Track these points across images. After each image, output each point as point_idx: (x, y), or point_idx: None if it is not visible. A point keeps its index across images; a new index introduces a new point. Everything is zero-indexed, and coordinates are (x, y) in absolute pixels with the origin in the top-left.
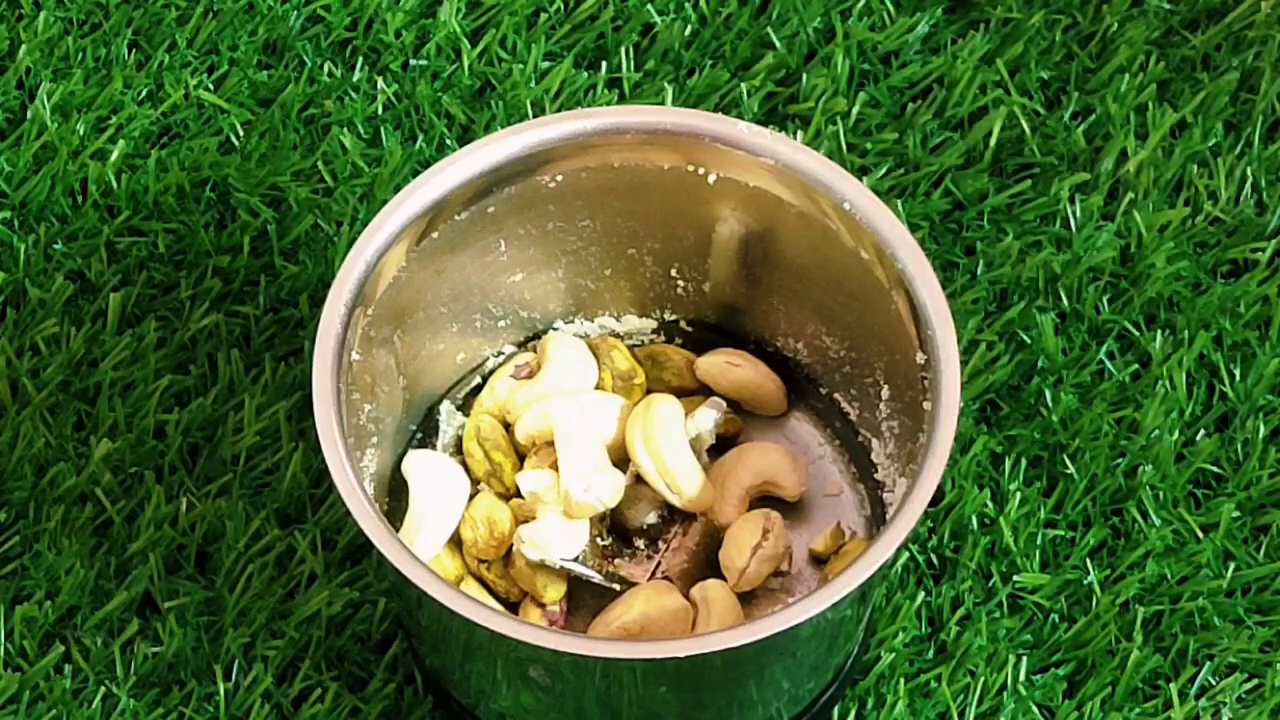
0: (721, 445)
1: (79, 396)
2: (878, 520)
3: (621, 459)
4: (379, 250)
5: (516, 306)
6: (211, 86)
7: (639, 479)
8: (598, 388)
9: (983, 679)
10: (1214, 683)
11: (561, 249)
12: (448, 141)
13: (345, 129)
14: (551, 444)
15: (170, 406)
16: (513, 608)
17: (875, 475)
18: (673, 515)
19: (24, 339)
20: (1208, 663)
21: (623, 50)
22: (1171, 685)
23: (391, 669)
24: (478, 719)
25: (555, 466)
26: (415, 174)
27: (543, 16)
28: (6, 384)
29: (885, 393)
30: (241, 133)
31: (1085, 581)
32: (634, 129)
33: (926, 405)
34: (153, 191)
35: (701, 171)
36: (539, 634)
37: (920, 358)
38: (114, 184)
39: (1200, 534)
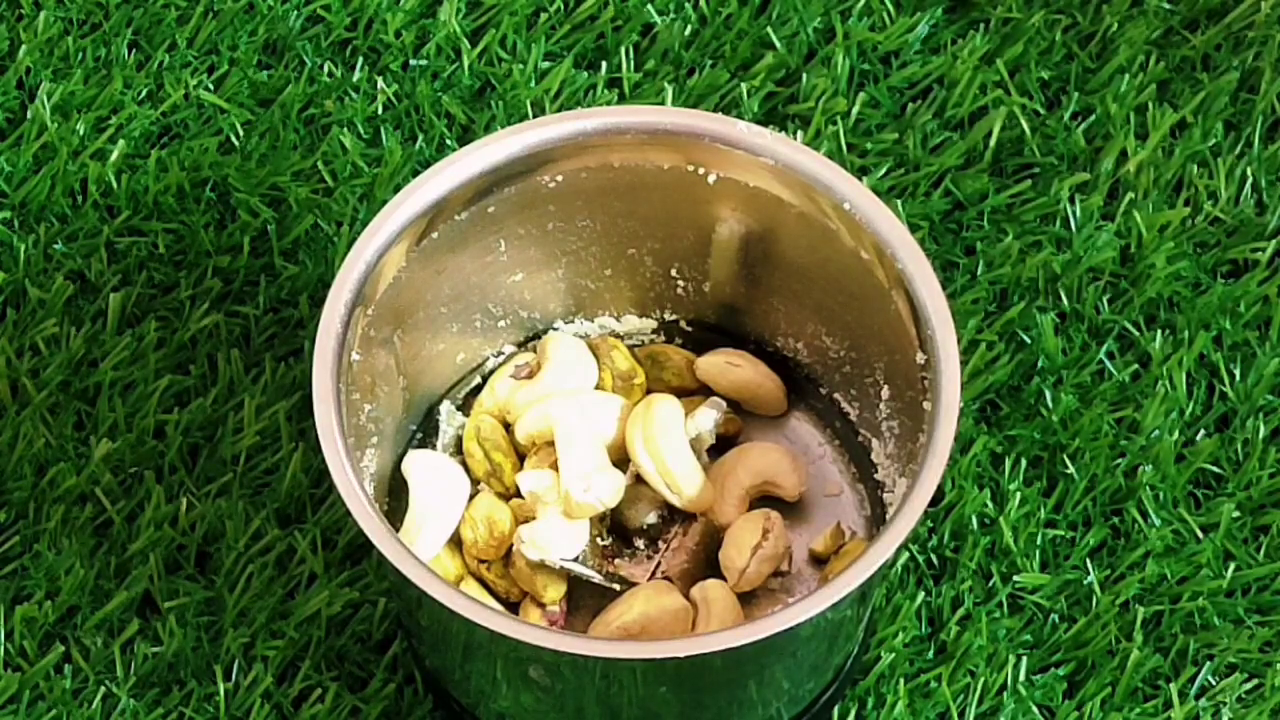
0: (721, 445)
1: (79, 396)
2: (878, 520)
3: (621, 459)
4: (379, 250)
5: (516, 306)
6: (211, 86)
7: (639, 479)
8: (598, 388)
9: (983, 679)
10: (1214, 683)
11: (561, 249)
12: (448, 141)
13: (345, 129)
14: (551, 444)
15: (170, 406)
16: (513, 608)
17: (875, 475)
18: (673, 515)
19: (24, 339)
20: (1208, 663)
21: (623, 50)
22: (1171, 685)
23: (391, 669)
24: (478, 719)
25: (555, 466)
26: (415, 174)
27: (543, 16)
28: (6, 384)
29: (885, 393)
30: (241, 133)
31: (1085, 581)
32: (634, 129)
33: (926, 405)
34: (153, 191)
35: (701, 171)
36: (539, 634)
37: (920, 358)
38: (114, 184)
39: (1200, 534)
